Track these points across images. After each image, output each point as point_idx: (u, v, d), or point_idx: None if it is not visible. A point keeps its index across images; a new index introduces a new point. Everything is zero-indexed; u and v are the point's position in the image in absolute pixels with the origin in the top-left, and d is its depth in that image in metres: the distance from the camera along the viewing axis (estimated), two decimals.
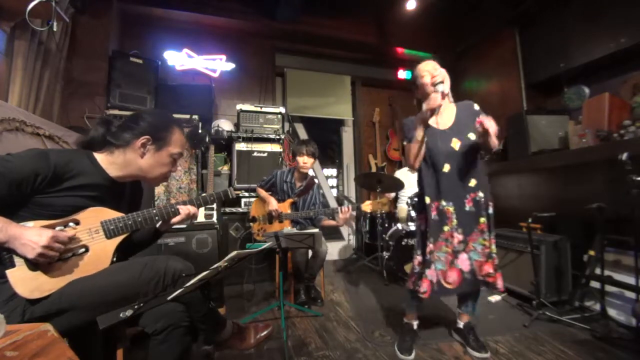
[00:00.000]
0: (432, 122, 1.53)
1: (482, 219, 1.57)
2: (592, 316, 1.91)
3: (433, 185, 1.61)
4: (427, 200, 1.61)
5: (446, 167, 1.56)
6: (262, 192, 2.52)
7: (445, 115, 1.61)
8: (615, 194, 1.99)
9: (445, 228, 1.56)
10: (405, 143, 1.72)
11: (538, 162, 2.66)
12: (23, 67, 1.99)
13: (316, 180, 2.68)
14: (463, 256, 1.55)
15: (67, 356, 0.72)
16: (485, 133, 1.39)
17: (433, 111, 1.43)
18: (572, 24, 2.69)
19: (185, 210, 1.21)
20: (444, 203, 1.57)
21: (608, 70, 2.56)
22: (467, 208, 1.57)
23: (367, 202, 2.20)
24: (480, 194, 1.58)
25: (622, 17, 2.31)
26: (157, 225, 1.29)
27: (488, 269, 1.55)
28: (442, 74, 1.50)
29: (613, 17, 2.38)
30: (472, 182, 1.57)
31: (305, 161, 2.45)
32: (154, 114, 1.21)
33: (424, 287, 1.55)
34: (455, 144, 1.56)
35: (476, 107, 1.61)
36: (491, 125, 1.37)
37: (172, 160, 1.19)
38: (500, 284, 1.57)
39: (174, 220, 1.23)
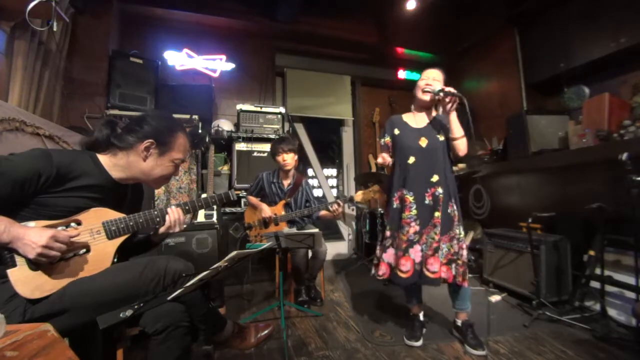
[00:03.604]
0: (408, 120, 1.79)
1: (437, 214, 1.64)
2: (592, 316, 1.91)
3: (398, 175, 1.76)
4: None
5: (411, 160, 1.72)
6: (253, 200, 2.48)
7: (422, 118, 1.78)
8: (615, 194, 1.99)
9: (404, 215, 1.68)
10: (379, 140, 1.96)
11: (538, 162, 2.66)
12: (23, 67, 1.99)
13: (315, 182, 2.65)
14: (417, 247, 1.63)
15: (67, 356, 0.72)
16: (446, 96, 1.59)
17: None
18: (572, 24, 2.68)
19: (167, 221, 1.17)
20: (404, 191, 1.71)
21: (608, 70, 2.56)
22: (427, 201, 1.66)
23: (359, 192, 2.21)
24: (440, 190, 1.65)
25: (622, 17, 2.31)
26: (152, 233, 1.27)
27: (433, 262, 1.59)
28: (437, 85, 1.68)
29: (613, 17, 2.38)
30: (435, 178, 1.67)
31: (285, 159, 2.39)
32: (159, 117, 1.19)
33: (382, 269, 1.73)
34: (423, 142, 1.70)
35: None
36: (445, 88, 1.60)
37: (175, 165, 1.19)
38: (448, 277, 1.59)
39: (161, 230, 1.21)
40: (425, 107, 1.77)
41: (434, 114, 1.79)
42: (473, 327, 1.69)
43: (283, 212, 2.40)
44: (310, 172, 4.04)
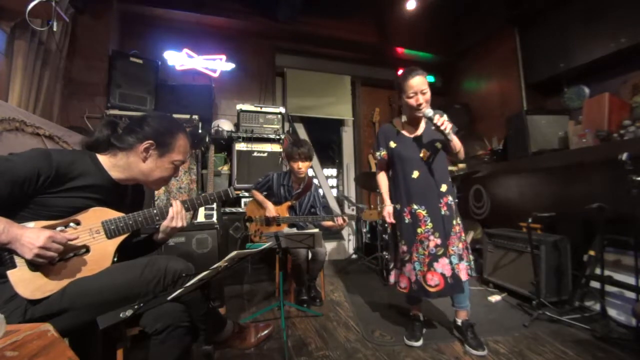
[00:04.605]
0: (402, 129, 1.75)
1: (454, 222, 1.64)
2: (592, 316, 1.91)
3: (404, 190, 1.70)
4: (399, 206, 1.73)
5: (415, 174, 1.67)
6: (259, 196, 2.44)
7: (416, 125, 1.74)
8: (615, 194, 1.99)
9: (419, 230, 1.65)
10: (372, 152, 1.83)
11: (538, 162, 2.66)
12: (23, 67, 2.00)
13: (315, 181, 2.60)
14: (444, 260, 1.60)
15: (67, 356, 0.72)
16: (439, 130, 1.52)
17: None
18: (572, 24, 2.69)
19: (170, 212, 1.18)
20: (415, 207, 1.67)
21: (608, 70, 2.56)
22: (443, 212, 1.63)
23: (369, 212, 2.20)
24: (451, 198, 1.66)
25: (622, 17, 2.32)
26: (154, 238, 1.27)
27: (462, 269, 1.62)
28: (428, 97, 1.61)
29: (613, 17, 2.39)
30: (444, 187, 1.65)
31: (300, 166, 2.33)
32: (159, 118, 1.18)
33: (404, 283, 1.71)
34: (424, 154, 1.67)
35: (443, 116, 1.67)
36: (442, 119, 1.52)
37: (174, 166, 1.19)
38: (473, 273, 1.65)
39: (164, 224, 1.19)
40: (418, 121, 1.73)
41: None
42: (474, 327, 1.69)
43: (287, 214, 2.39)
44: (310, 172, 4.04)
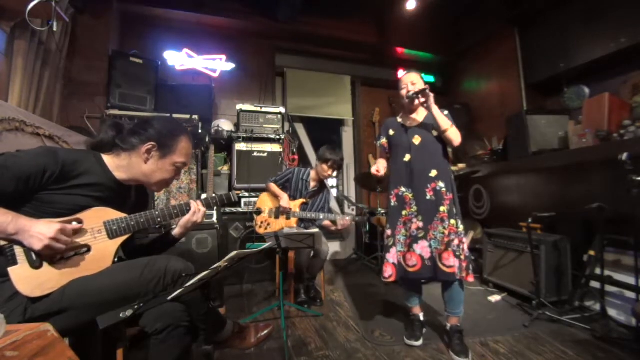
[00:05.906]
0: (402, 120, 1.83)
1: (442, 208, 1.64)
2: (592, 316, 1.91)
3: (395, 174, 1.76)
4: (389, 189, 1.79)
5: (407, 157, 1.73)
6: (275, 188, 2.49)
7: (414, 118, 1.80)
8: (615, 194, 1.99)
9: (404, 212, 1.70)
10: (375, 143, 1.98)
11: (538, 162, 2.66)
12: (23, 67, 2.00)
13: (327, 183, 2.69)
14: (423, 243, 1.63)
15: (67, 356, 0.72)
16: (424, 98, 1.63)
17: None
18: (572, 24, 2.69)
19: (194, 207, 1.23)
20: (403, 189, 1.73)
21: (608, 70, 2.56)
22: (428, 197, 1.66)
23: (379, 217, 2.25)
24: (441, 184, 1.66)
25: (622, 17, 2.32)
26: (173, 233, 1.30)
27: (448, 257, 1.58)
28: (418, 87, 1.71)
29: (613, 17, 2.39)
30: (433, 173, 1.67)
31: (329, 172, 2.49)
32: (163, 121, 1.22)
33: (388, 271, 1.70)
34: (417, 140, 1.72)
35: (445, 112, 1.73)
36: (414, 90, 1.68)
37: (175, 169, 1.20)
38: (462, 274, 1.58)
39: (182, 221, 1.23)
40: (414, 110, 1.80)
41: (425, 113, 1.80)
42: (462, 334, 1.64)
43: (298, 210, 2.43)
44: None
